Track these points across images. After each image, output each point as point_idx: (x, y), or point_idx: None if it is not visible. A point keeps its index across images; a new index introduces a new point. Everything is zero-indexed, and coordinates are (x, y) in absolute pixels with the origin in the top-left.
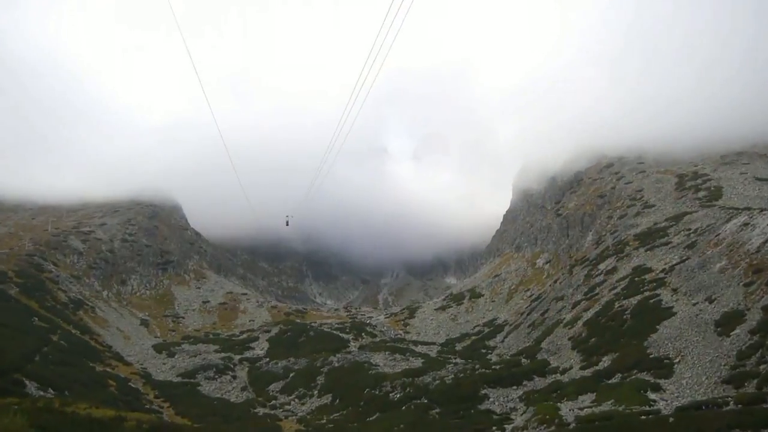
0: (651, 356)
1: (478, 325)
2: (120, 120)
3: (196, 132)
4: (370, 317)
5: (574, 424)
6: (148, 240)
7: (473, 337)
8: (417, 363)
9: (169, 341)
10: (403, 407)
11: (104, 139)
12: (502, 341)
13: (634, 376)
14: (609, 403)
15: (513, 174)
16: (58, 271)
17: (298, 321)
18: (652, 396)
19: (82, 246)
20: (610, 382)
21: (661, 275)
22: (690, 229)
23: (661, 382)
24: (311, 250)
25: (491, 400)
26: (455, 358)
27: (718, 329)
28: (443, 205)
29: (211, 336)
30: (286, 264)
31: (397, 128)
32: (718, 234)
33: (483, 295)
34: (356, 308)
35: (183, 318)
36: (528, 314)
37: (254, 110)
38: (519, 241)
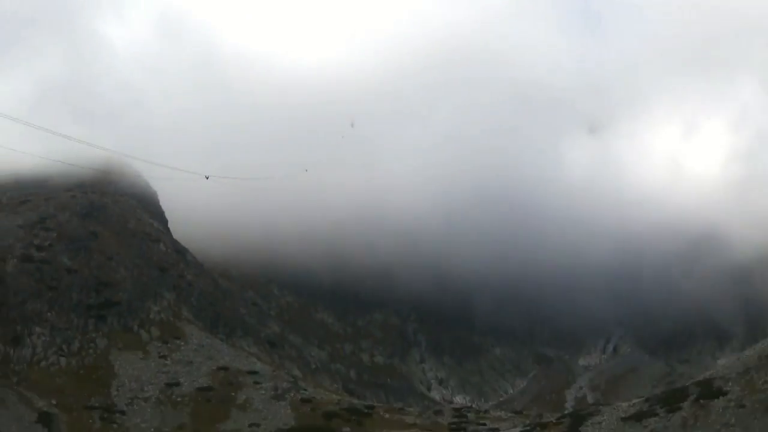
0: None
1: None
2: None
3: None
4: None
5: None
6: (73, 259)
7: None
8: None
9: None
10: None
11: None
12: None
13: None
14: None
15: None
16: None
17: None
18: None
19: None
20: None
21: None
22: None
23: None
24: (429, 287)
25: None
26: None
27: None
28: (713, 199)
29: None
30: (375, 317)
31: None
32: None
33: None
34: (514, 412)
35: (124, 414)
36: None
37: None
38: None
